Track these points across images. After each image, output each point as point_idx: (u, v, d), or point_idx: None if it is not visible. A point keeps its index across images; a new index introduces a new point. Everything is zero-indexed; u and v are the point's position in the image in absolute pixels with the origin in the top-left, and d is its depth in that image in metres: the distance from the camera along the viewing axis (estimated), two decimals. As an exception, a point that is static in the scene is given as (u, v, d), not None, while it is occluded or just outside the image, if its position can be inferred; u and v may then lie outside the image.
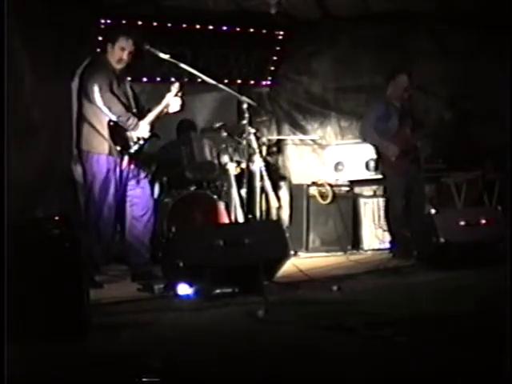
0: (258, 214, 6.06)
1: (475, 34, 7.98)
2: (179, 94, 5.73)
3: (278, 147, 8.52)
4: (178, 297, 4.98)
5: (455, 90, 8.00)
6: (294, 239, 7.26)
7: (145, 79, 7.56)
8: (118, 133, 5.61)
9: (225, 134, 6.62)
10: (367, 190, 8.15)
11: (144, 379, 3.08)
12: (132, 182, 5.78)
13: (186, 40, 7.58)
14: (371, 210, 7.87)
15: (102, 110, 5.58)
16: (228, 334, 4.11)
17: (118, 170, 5.65)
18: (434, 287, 5.35)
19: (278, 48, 8.28)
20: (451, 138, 7.85)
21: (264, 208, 6.85)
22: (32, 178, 5.46)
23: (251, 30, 8.02)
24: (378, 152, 7.14)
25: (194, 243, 5.12)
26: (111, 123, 5.59)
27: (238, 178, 6.66)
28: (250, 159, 5.85)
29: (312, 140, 8.55)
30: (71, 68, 6.14)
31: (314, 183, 7.79)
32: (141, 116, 5.74)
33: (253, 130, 5.74)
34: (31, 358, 3.50)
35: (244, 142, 5.80)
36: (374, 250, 7.67)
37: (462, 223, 6.14)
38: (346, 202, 7.81)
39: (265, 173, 5.84)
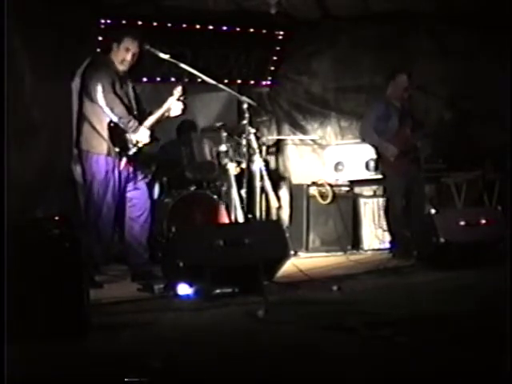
0: (258, 214, 6.06)
1: (475, 34, 7.98)
2: (181, 98, 5.72)
3: (277, 147, 8.52)
4: (177, 297, 4.98)
5: (455, 90, 8.00)
6: (294, 239, 7.26)
7: (145, 79, 7.56)
8: (117, 134, 5.61)
9: (225, 134, 6.62)
10: (367, 190, 8.15)
11: (144, 379, 3.08)
12: (131, 183, 5.79)
13: (186, 40, 7.58)
14: (371, 210, 7.87)
15: (104, 110, 5.58)
16: (228, 334, 4.11)
17: (116, 170, 5.65)
18: (434, 287, 5.35)
19: (278, 48, 8.27)
20: (451, 138, 7.85)
21: (264, 208, 6.85)
22: (32, 178, 5.46)
23: (251, 30, 8.02)
24: (377, 152, 7.14)
25: (194, 243, 5.12)
26: (111, 124, 5.59)
27: (238, 178, 6.65)
28: (250, 159, 5.85)
29: (312, 140, 8.55)
30: (71, 68, 6.15)
31: (314, 183, 7.80)
32: (142, 119, 5.73)
33: (253, 130, 5.74)
34: (31, 357, 3.50)
35: (244, 142, 5.80)
36: (374, 250, 7.67)
37: (462, 223, 6.14)
38: (345, 202, 7.81)
39: (265, 173, 5.84)
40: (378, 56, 8.11)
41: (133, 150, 5.66)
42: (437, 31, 8.22)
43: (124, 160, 5.63)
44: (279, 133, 8.60)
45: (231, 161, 6.77)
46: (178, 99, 5.72)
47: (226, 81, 7.49)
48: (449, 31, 8.15)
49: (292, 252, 6.32)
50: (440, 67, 8.08)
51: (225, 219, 6.81)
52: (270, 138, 8.35)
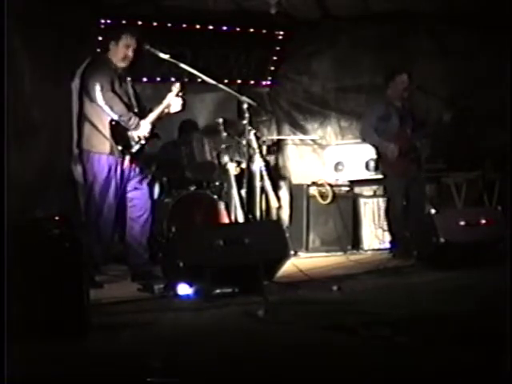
0: (258, 214, 6.06)
1: (475, 33, 7.98)
2: (180, 94, 5.74)
3: (277, 147, 8.52)
4: (177, 297, 4.98)
5: (455, 89, 8.00)
6: (294, 239, 7.26)
7: (145, 79, 7.56)
8: (119, 132, 5.61)
9: (225, 134, 6.62)
10: (367, 190, 8.15)
11: (145, 379, 3.08)
12: (132, 183, 5.79)
13: (186, 40, 7.58)
14: (371, 210, 7.87)
15: (104, 109, 5.58)
16: (228, 334, 4.11)
17: (118, 169, 5.65)
18: (434, 287, 5.35)
19: (277, 48, 8.28)
20: (451, 138, 7.86)
21: (264, 208, 6.84)
22: (32, 178, 5.47)
23: (251, 30, 8.02)
24: (378, 152, 7.14)
25: (194, 243, 5.12)
26: (113, 123, 5.59)
27: (238, 178, 6.65)
28: (250, 159, 5.85)
29: (312, 140, 8.55)
30: (71, 68, 6.15)
31: (314, 183, 7.79)
32: (142, 116, 5.74)
33: (253, 130, 5.74)
34: (31, 357, 3.50)
35: (244, 142, 5.80)
36: (374, 250, 7.67)
37: (462, 223, 6.14)
38: (345, 202, 7.81)
39: (265, 173, 5.83)
40: (378, 56, 8.11)
41: (136, 148, 5.67)
42: (437, 31, 8.22)
43: (127, 158, 5.63)
44: (279, 133, 8.61)
45: (231, 161, 6.78)
46: (177, 95, 5.73)
47: (226, 81, 7.49)
48: (449, 31, 8.15)
49: (292, 252, 6.32)
50: (440, 67, 8.09)
51: (225, 219, 6.81)
52: (270, 137, 8.34)
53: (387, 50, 8.06)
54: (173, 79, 7.11)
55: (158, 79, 7.53)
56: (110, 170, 5.63)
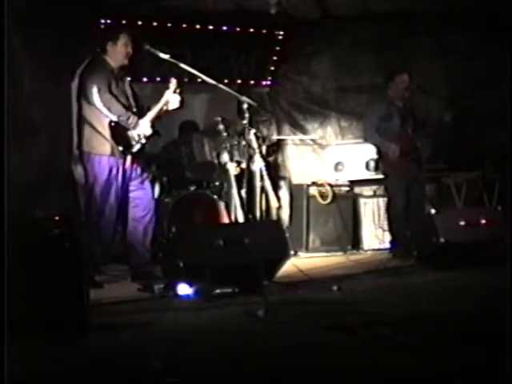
0: (258, 214, 6.06)
1: (475, 33, 7.98)
2: (177, 91, 5.74)
3: (277, 147, 8.52)
4: (177, 297, 4.98)
5: (455, 89, 8.00)
6: (294, 239, 7.26)
7: (145, 79, 7.56)
8: (119, 133, 5.61)
9: (225, 134, 6.62)
10: (367, 190, 8.15)
11: (145, 379, 3.09)
12: (134, 183, 5.79)
13: (186, 40, 7.58)
14: (371, 210, 7.87)
15: (102, 110, 5.58)
16: (228, 334, 4.11)
17: (120, 170, 5.65)
18: (434, 287, 5.35)
19: (277, 48, 8.27)
20: (451, 138, 7.86)
21: (264, 208, 6.84)
22: (32, 178, 5.46)
23: (251, 30, 8.02)
24: (379, 152, 7.14)
25: (194, 243, 5.13)
26: (112, 123, 5.59)
27: (238, 178, 6.65)
28: (250, 159, 5.85)
29: (312, 140, 8.54)
30: (71, 68, 6.14)
31: (314, 183, 7.79)
32: (141, 115, 5.74)
33: (253, 130, 5.74)
34: (31, 357, 3.50)
35: (244, 142, 5.80)
36: (374, 250, 7.67)
37: (462, 223, 6.14)
38: (345, 202, 7.81)
39: (265, 173, 5.83)
40: (378, 56, 8.11)
41: (136, 147, 5.67)
42: (437, 31, 8.22)
43: (129, 158, 5.63)
44: (279, 133, 8.60)
45: (231, 161, 6.78)
46: (175, 92, 5.73)
47: (226, 81, 7.49)
48: (449, 31, 8.15)
49: (292, 252, 6.32)
50: (440, 67, 8.09)
51: (225, 219, 6.80)
52: (270, 137, 8.34)
53: (387, 49, 8.06)
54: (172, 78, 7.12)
55: (158, 79, 7.52)
56: (110, 171, 5.63)
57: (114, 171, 5.64)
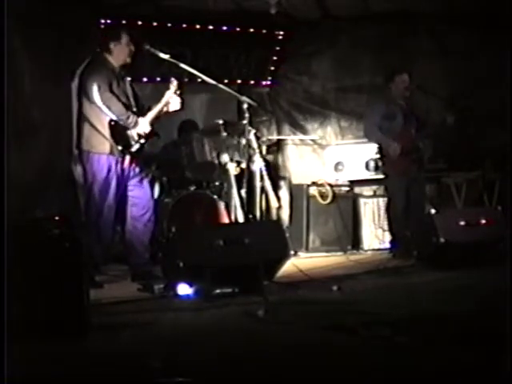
0: (258, 214, 6.06)
1: (475, 33, 7.98)
2: (178, 92, 5.73)
3: (277, 147, 8.52)
4: (177, 297, 4.98)
5: (455, 90, 8.00)
6: (294, 239, 7.26)
7: (145, 79, 7.56)
8: (119, 132, 5.61)
9: (225, 134, 6.62)
10: (367, 190, 8.15)
11: (145, 380, 3.08)
12: (132, 182, 5.79)
13: (186, 40, 7.58)
14: (371, 210, 7.87)
15: (102, 109, 5.58)
16: (228, 334, 4.11)
17: (119, 169, 5.66)
18: (434, 287, 5.35)
19: (277, 48, 8.28)
20: (452, 139, 7.85)
21: (264, 208, 6.84)
22: (32, 178, 5.46)
23: (251, 30, 8.03)
24: (380, 150, 7.12)
25: (194, 243, 5.12)
26: (112, 122, 5.59)
27: (238, 178, 6.65)
28: (250, 159, 5.85)
29: (312, 140, 8.55)
30: (71, 68, 6.14)
31: (314, 183, 7.80)
32: (141, 114, 5.74)
33: (253, 130, 5.74)
34: (31, 357, 3.50)
35: (244, 142, 5.80)
36: (374, 250, 7.67)
37: (462, 223, 6.13)
38: (345, 202, 7.81)
39: (265, 173, 5.84)
40: (378, 56, 8.11)
41: (136, 146, 5.67)
42: (437, 31, 8.23)
43: (128, 157, 5.63)
44: (279, 133, 8.61)
45: (231, 161, 6.78)
46: (175, 93, 5.73)
47: (226, 81, 7.49)
48: (449, 31, 8.16)
49: (292, 252, 6.32)
50: (440, 67, 8.09)
51: (225, 219, 6.80)
52: (270, 137, 8.35)
53: (387, 49, 8.07)
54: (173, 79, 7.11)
55: (158, 79, 7.52)
56: (109, 170, 5.63)
57: (113, 170, 5.64)
